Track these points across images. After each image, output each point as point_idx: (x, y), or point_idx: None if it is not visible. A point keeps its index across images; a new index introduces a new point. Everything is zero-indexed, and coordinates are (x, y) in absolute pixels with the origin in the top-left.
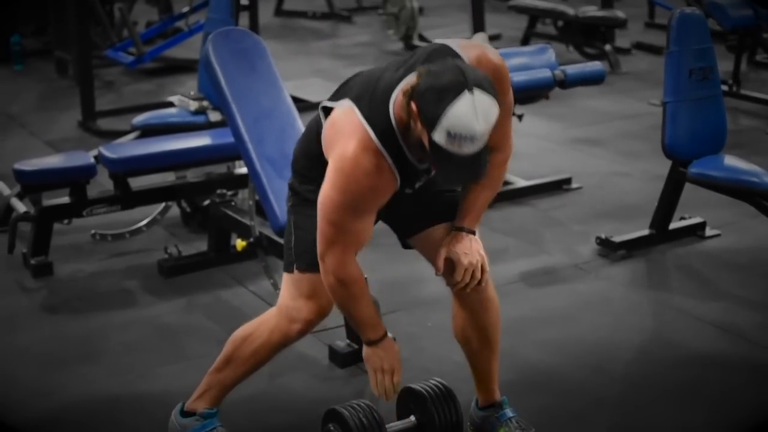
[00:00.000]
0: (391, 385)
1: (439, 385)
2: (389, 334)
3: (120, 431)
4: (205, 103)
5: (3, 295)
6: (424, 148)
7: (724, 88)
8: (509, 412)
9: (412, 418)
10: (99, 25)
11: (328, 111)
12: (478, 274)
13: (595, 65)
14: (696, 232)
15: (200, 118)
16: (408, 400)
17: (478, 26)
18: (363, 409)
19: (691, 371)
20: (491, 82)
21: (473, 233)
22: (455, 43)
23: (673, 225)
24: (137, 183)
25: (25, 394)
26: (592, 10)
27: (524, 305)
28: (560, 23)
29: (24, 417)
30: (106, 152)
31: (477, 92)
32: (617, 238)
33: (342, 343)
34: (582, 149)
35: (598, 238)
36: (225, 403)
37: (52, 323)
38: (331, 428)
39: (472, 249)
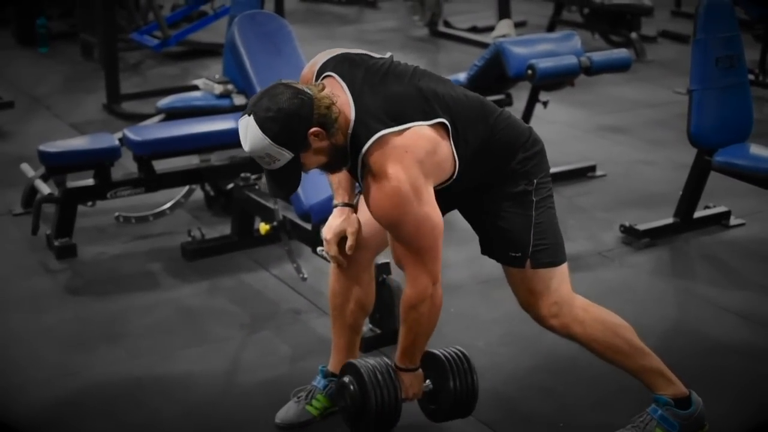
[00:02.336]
0: (336, 253)
1: (459, 353)
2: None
3: (142, 412)
4: (230, 87)
5: (27, 277)
6: None
7: (751, 77)
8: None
9: (428, 382)
10: (124, 8)
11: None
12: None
13: (621, 52)
14: (720, 221)
15: (225, 102)
16: (427, 365)
17: (503, 13)
18: (380, 366)
19: (714, 360)
20: (277, 118)
21: (406, 369)
22: (375, 144)
23: (698, 214)
24: (161, 166)
25: (49, 375)
26: None
27: None
28: (586, 10)
29: (47, 397)
30: (131, 135)
31: (249, 119)
32: (641, 226)
33: (365, 327)
34: (607, 137)
35: (622, 225)
36: (247, 386)
37: (75, 305)
38: (346, 381)
39: (405, 385)
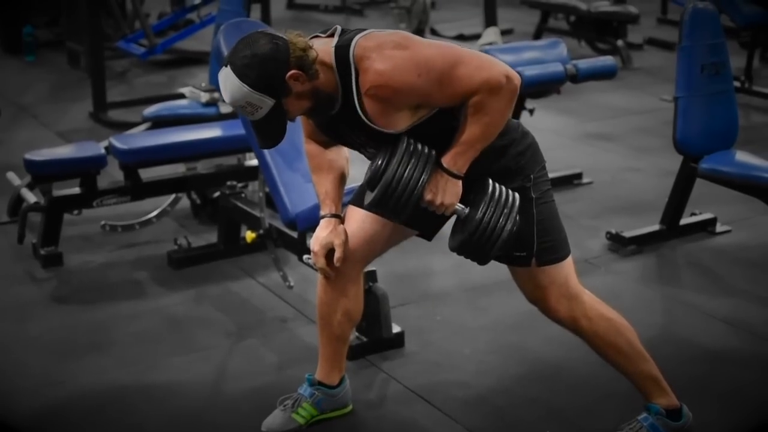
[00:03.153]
0: (324, 265)
1: (511, 194)
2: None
3: (129, 421)
4: (216, 95)
5: (13, 285)
6: None
7: (736, 84)
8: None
9: (466, 207)
10: (111, 17)
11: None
12: (442, 211)
13: (607, 60)
14: (707, 227)
15: (211, 110)
16: (473, 188)
17: (490, 20)
18: (421, 151)
19: (701, 367)
20: (253, 64)
21: (448, 172)
22: (363, 36)
23: (684, 221)
24: (147, 174)
25: (35, 383)
26: (605, 6)
27: None
28: (572, 18)
29: (33, 406)
30: (117, 143)
31: (227, 69)
32: (627, 233)
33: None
34: (593, 144)
35: (608, 233)
36: (233, 394)
37: (61, 313)
38: (381, 152)
39: (439, 188)
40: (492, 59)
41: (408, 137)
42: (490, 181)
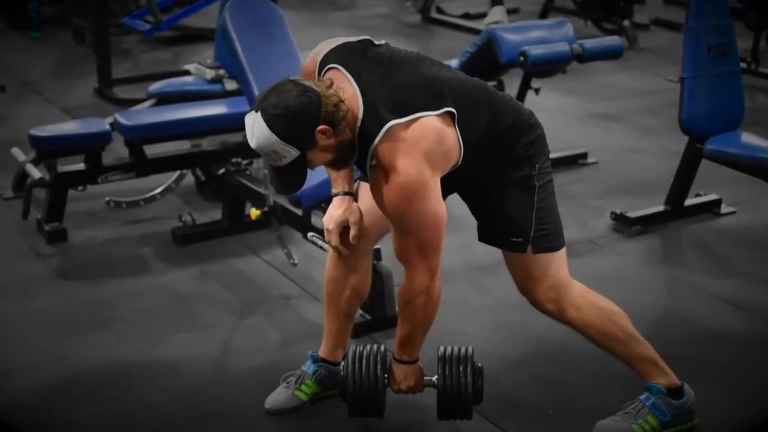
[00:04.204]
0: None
1: (461, 353)
2: (344, 193)
3: (131, 398)
4: (222, 72)
5: (17, 261)
6: None
7: (743, 65)
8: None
9: (435, 377)
10: None
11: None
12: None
13: (613, 40)
14: (711, 209)
15: (216, 87)
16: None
17: None
18: (369, 353)
19: (704, 348)
20: (284, 115)
21: (402, 361)
22: (385, 137)
23: (689, 201)
24: (152, 151)
25: (38, 360)
26: None
27: None
28: None
29: (36, 382)
30: (122, 119)
31: (256, 115)
32: (632, 214)
33: None
34: (598, 124)
35: (613, 213)
36: (237, 372)
37: (65, 289)
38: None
39: (401, 378)
40: (433, 261)
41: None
42: (442, 348)
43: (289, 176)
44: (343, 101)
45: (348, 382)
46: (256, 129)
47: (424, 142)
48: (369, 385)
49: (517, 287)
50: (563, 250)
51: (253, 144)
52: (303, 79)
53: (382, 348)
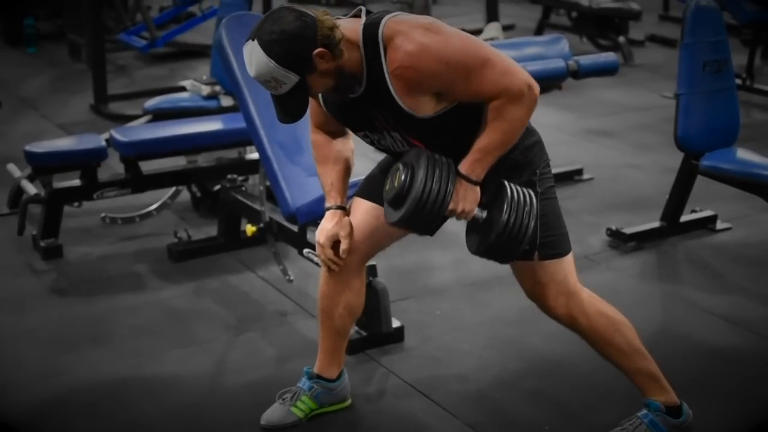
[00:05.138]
0: (330, 257)
1: (528, 193)
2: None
3: (127, 414)
4: (218, 88)
5: (12, 277)
6: None
7: (738, 81)
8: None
9: (483, 212)
10: (112, 9)
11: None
12: (462, 218)
13: (609, 56)
14: (707, 225)
15: (212, 103)
16: (491, 191)
17: (492, 16)
18: (442, 163)
19: (700, 364)
20: (280, 40)
21: (467, 179)
22: (392, 17)
23: (684, 217)
24: (148, 167)
25: (33, 375)
26: (607, 2)
27: None
28: (574, 14)
29: (31, 398)
30: (118, 135)
31: (253, 43)
32: (628, 230)
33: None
34: (594, 140)
35: (608, 229)
36: (233, 388)
37: (60, 305)
38: (401, 167)
39: (460, 196)
40: (517, 66)
41: (426, 153)
42: (507, 183)
43: (290, 104)
44: (337, 26)
45: (416, 183)
46: (254, 57)
47: (427, 20)
48: (438, 194)
49: (526, 293)
50: (570, 256)
51: (252, 73)
52: (297, 5)
53: (452, 163)
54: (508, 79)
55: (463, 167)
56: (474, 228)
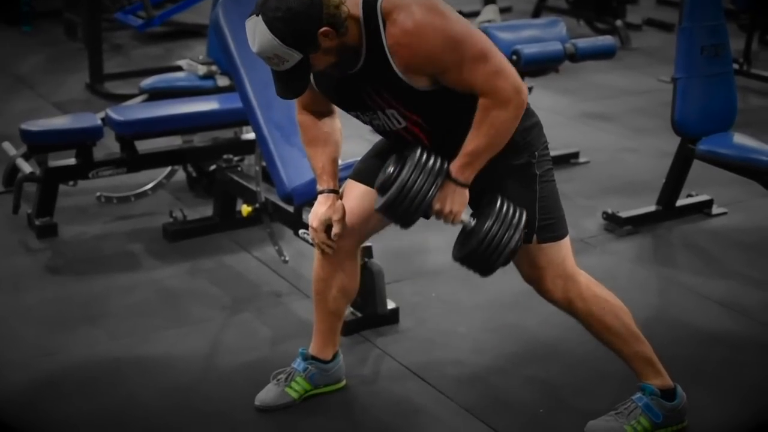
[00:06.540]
0: (324, 240)
1: (518, 209)
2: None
3: (121, 393)
4: (214, 68)
5: (7, 256)
6: None
7: (735, 66)
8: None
9: (473, 220)
10: None
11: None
12: (449, 220)
13: (606, 39)
14: (703, 209)
15: (208, 83)
16: (481, 202)
17: None
18: (434, 159)
19: (695, 349)
20: (286, 18)
21: (456, 182)
22: None
23: (680, 202)
24: (144, 146)
25: (27, 355)
26: None
27: None
28: None
29: (25, 377)
30: (114, 115)
31: (257, 19)
32: (624, 214)
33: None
34: (590, 124)
35: (604, 213)
36: (227, 368)
37: (55, 284)
38: (390, 161)
39: (447, 197)
40: (510, 68)
41: (422, 148)
42: (499, 196)
43: (292, 81)
44: (343, 2)
45: (403, 173)
46: (257, 33)
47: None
48: (422, 188)
49: (523, 278)
50: (567, 239)
51: (255, 49)
52: None
53: (445, 164)
54: (497, 81)
55: (453, 170)
56: (461, 235)
